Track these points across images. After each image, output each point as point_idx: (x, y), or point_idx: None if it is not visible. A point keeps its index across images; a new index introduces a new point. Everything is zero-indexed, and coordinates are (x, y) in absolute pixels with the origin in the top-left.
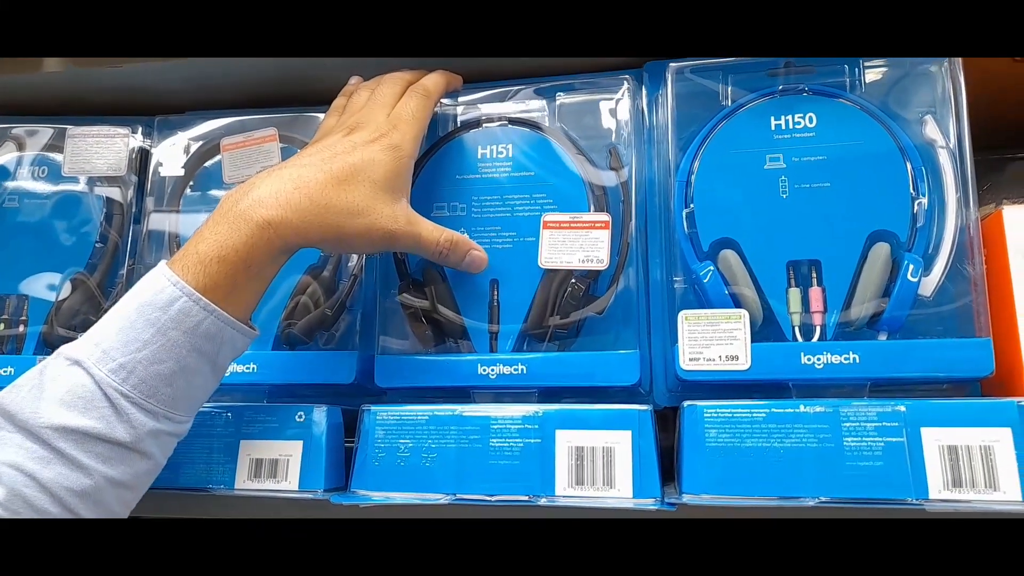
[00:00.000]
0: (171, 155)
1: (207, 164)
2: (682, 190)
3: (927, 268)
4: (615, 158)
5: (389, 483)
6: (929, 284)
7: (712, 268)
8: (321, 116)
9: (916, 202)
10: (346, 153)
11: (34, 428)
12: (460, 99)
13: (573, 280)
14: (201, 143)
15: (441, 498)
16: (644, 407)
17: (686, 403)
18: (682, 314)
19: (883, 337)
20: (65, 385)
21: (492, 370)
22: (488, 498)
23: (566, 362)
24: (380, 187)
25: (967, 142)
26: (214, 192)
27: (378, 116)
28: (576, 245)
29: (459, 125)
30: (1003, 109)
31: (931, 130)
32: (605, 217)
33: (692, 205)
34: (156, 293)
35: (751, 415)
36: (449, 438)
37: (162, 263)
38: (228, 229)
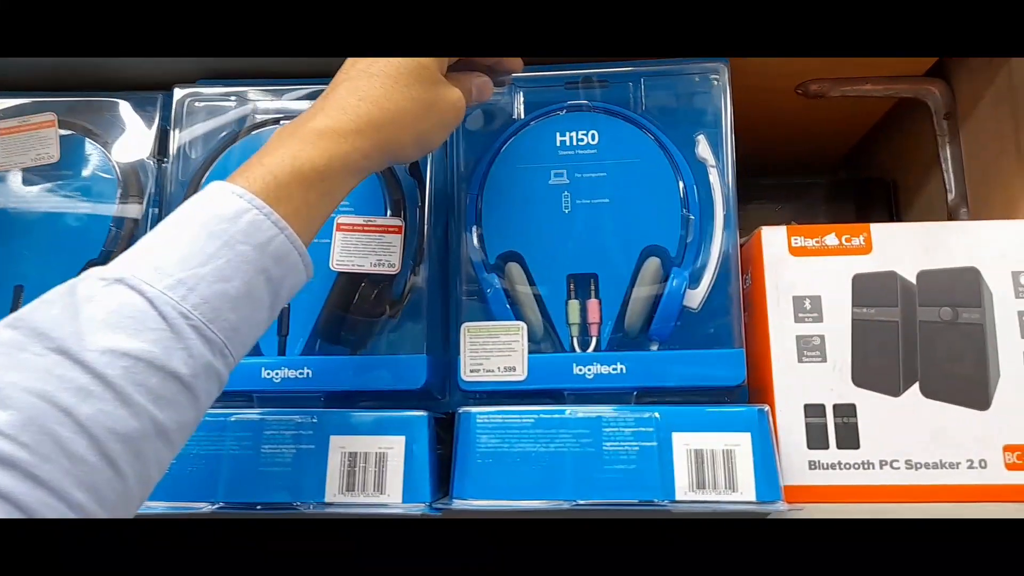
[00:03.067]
0: None
1: None
2: (473, 203)
3: (695, 282)
4: (414, 165)
5: None
6: (696, 297)
7: (496, 282)
8: (111, 100)
9: (686, 219)
10: (382, 58)
11: (75, 350)
12: (253, 96)
13: (364, 284)
14: None
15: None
16: (421, 413)
17: (461, 409)
18: (464, 326)
19: (655, 347)
20: (107, 304)
21: None
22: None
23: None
24: (430, 69)
25: (730, 162)
26: None
27: None
28: (368, 249)
29: (256, 123)
30: (800, 138)
31: (703, 149)
32: (398, 222)
33: (481, 218)
34: (219, 206)
35: (520, 421)
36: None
37: (215, 183)
38: (300, 143)
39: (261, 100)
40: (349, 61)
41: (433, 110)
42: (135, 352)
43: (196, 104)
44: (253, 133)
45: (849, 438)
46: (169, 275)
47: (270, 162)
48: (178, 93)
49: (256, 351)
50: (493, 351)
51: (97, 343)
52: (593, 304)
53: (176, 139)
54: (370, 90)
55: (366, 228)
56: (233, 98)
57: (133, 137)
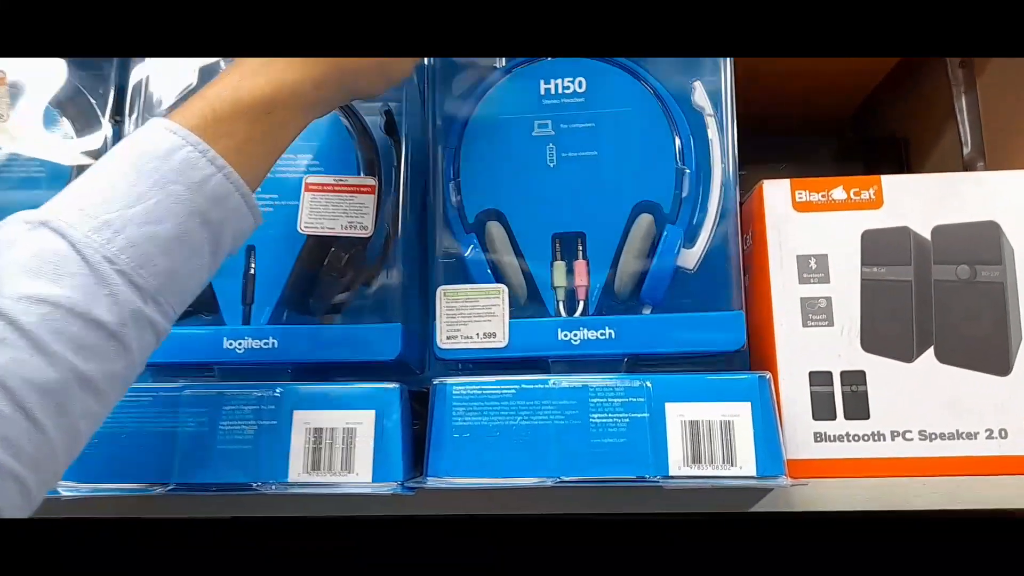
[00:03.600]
0: None
1: None
2: (451, 157)
3: (691, 241)
4: (389, 121)
5: None
6: (692, 257)
7: (474, 242)
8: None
9: (681, 172)
10: None
11: None
12: None
13: (334, 248)
14: None
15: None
16: (392, 384)
17: (436, 380)
18: (440, 290)
19: (647, 311)
20: (27, 249)
21: None
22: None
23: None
24: None
25: (730, 111)
26: None
27: None
28: (339, 210)
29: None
30: (806, 96)
31: (700, 97)
32: (371, 182)
33: (460, 174)
34: (152, 142)
35: (500, 392)
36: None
37: (154, 119)
38: (244, 73)
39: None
40: None
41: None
42: (53, 298)
43: (157, 78)
44: None
45: (858, 408)
46: (94, 217)
47: (211, 94)
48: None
49: (219, 320)
50: (472, 316)
51: (14, 290)
52: (580, 265)
53: (137, 100)
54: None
55: (337, 188)
56: (197, 67)
57: (88, 97)
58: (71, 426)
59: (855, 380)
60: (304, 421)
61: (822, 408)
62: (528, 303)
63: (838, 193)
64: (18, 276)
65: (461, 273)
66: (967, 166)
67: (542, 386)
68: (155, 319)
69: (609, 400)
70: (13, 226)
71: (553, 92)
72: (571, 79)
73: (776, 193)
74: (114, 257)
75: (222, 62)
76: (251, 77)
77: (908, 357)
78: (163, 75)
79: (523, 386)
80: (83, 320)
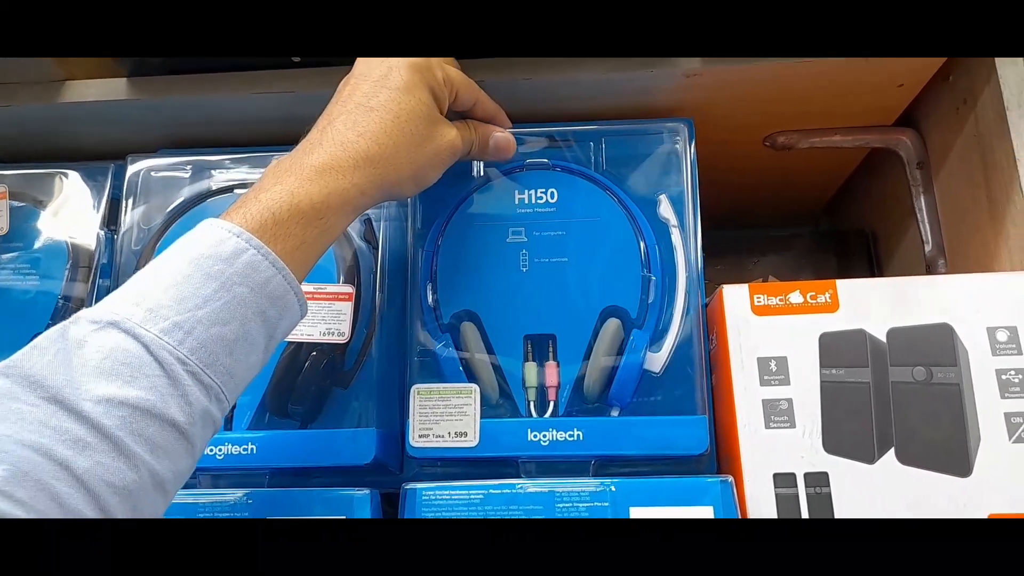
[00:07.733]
0: None
1: None
2: (428, 260)
3: (657, 344)
4: (369, 229)
5: None
6: (658, 360)
7: (447, 342)
8: (62, 171)
9: (647, 279)
10: (382, 81)
11: (71, 400)
12: (211, 164)
13: (314, 353)
14: None
15: None
16: (363, 491)
17: (406, 485)
18: (414, 388)
19: (615, 413)
20: (100, 350)
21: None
22: None
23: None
24: (429, 107)
25: (693, 222)
26: None
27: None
28: (318, 317)
29: (212, 190)
30: (778, 189)
31: (665, 209)
32: (349, 289)
33: (436, 276)
34: (215, 244)
35: (469, 497)
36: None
37: (210, 220)
38: (298, 180)
39: (219, 169)
40: (347, 91)
41: (428, 146)
42: (132, 400)
43: (152, 174)
44: (209, 201)
45: (822, 509)
46: (165, 318)
47: (267, 198)
48: (133, 165)
49: None
50: (444, 415)
51: (92, 391)
52: (551, 367)
53: (129, 209)
54: (369, 125)
55: (316, 296)
56: (190, 167)
57: (84, 208)
58: None
59: (819, 482)
60: None
61: (787, 510)
62: (499, 402)
63: (795, 297)
64: (93, 377)
65: (435, 372)
66: (929, 263)
67: (509, 491)
68: (216, 417)
69: (575, 505)
70: (79, 326)
71: (527, 201)
72: (544, 189)
73: (736, 297)
74: (185, 358)
75: (213, 184)
76: (305, 185)
77: (870, 459)
78: (156, 190)
79: (491, 491)
80: (159, 421)
